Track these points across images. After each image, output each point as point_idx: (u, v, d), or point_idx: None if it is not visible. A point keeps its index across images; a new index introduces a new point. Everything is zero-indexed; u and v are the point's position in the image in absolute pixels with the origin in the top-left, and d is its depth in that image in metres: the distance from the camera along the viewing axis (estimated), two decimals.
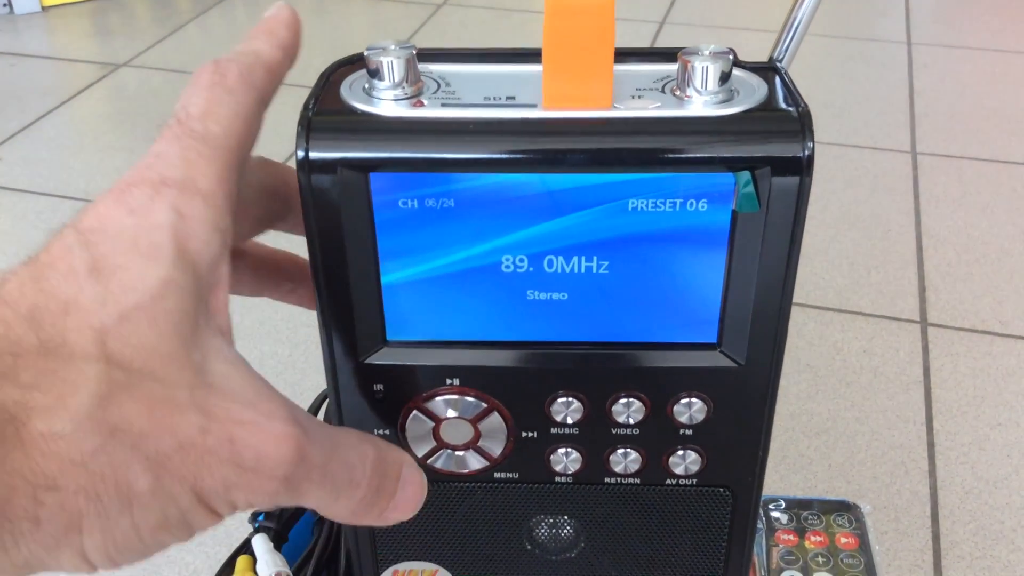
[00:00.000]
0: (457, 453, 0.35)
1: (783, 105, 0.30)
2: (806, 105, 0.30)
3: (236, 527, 0.50)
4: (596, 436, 0.35)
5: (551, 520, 0.38)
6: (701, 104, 0.30)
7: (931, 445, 0.85)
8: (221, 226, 0.27)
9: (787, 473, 0.82)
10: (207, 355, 0.26)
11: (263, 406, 0.26)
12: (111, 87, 1.54)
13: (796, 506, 0.66)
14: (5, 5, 1.78)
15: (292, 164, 0.31)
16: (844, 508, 0.66)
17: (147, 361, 0.24)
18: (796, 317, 0.99)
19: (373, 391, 0.34)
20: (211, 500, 0.25)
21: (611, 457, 0.36)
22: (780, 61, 0.34)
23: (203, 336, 0.26)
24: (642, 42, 1.67)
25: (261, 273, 0.35)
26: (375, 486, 0.29)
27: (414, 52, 0.31)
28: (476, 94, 0.31)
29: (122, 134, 1.40)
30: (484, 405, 0.34)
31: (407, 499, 0.30)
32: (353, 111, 0.30)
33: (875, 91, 1.51)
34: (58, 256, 0.25)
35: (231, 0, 1.88)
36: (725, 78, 0.30)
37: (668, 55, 0.32)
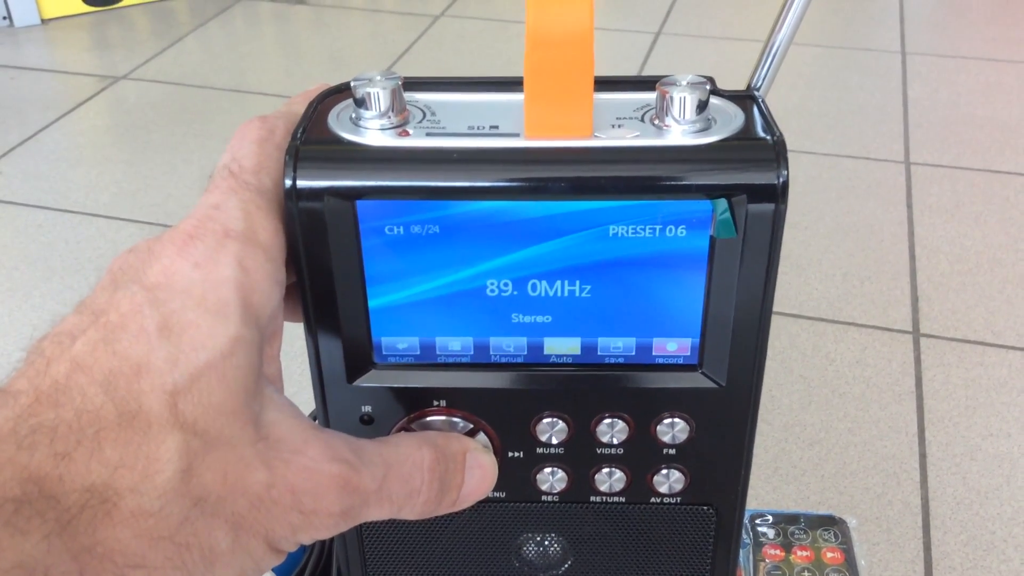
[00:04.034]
0: None
1: (759, 133, 0.31)
2: (781, 133, 0.31)
3: None
4: (581, 456, 0.36)
5: (539, 538, 0.39)
6: (679, 133, 0.31)
7: (923, 456, 0.86)
8: (279, 278, 0.28)
9: (779, 484, 0.82)
10: (263, 405, 0.27)
11: (311, 450, 0.27)
12: (111, 100, 1.55)
13: (783, 521, 0.66)
14: (5, 18, 1.79)
15: None
16: (830, 523, 0.66)
17: (215, 421, 0.25)
18: (789, 328, 1.00)
19: (361, 413, 0.35)
20: (281, 544, 0.27)
21: (596, 476, 0.36)
22: (758, 89, 0.35)
23: (259, 386, 0.27)
24: (638, 53, 1.68)
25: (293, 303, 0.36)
26: (436, 487, 0.30)
27: (399, 82, 0.32)
28: (460, 123, 0.32)
29: (122, 147, 1.41)
30: (471, 426, 0.35)
31: (476, 483, 0.32)
32: (340, 140, 0.31)
33: (869, 101, 1.52)
34: (128, 316, 0.25)
35: (230, 13, 1.89)
36: (702, 107, 0.31)
37: (647, 84, 0.33)
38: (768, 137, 0.31)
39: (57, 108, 1.51)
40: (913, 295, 1.07)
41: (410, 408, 0.35)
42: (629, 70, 1.59)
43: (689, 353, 0.34)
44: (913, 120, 1.46)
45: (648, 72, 1.61)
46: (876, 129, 1.43)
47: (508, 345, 0.34)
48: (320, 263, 0.31)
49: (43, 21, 1.83)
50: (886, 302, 1.06)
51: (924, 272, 1.11)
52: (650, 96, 0.32)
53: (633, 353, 0.34)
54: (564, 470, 0.36)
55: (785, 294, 1.04)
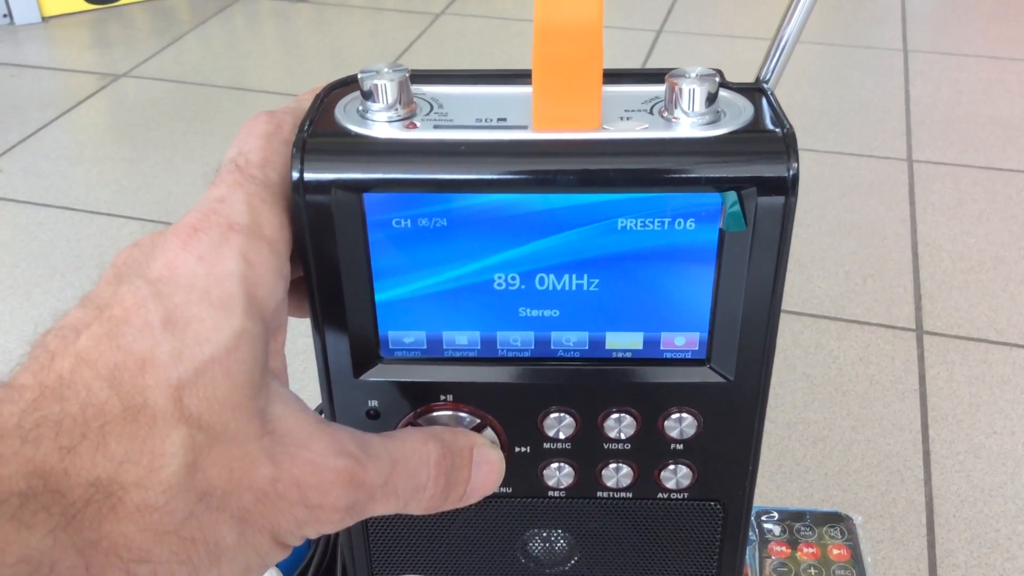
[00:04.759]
0: None
1: (769, 126, 0.31)
2: (791, 126, 0.30)
3: None
4: (588, 451, 0.35)
5: (545, 534, 0.39)
6: (688, 125, 0.31)
7: (927, 453, 0.86)
8: (284, 272, 0.28)
9: (783, 482, 0.82)
10: (268, 399, 0.26)
11: (317, 445, 0.27)
12: (111, 98, 1.55)
13: (789, 518, 0.66)
14: (5, 15, 1.79)
15: None
16: (836, 520, 0.66)
17: (220, 415, 0.25)
18: (792, 326, 1.00)
19: (368, 407, 0.34)
20: (286, 539, 0.26)
21: (603, 472, 0.36)
22: (766, 82, 0.35)
23: (264, 380, 0.26)
24: (639, 51, 1.68)
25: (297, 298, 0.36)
26: (443, 482, 0.30)
27: (407, 75, 0.31)
28: (468, 116, 0.32)
29: (122, 145, 1.41)
30: (478, 421, 0.35)
31: (483, 479, 0.32)
32: (347, 133, 0.31)
33: (871, 99, 1.52)
34: (132, 310, 0.25)
35: (230, 11, 1.89)
36: (712, 99, 0.31)
37: (656, 76, 0.32)
38: (778, 130, 0.31)
39: (57, 106, 1.51)
40: (916, 293, 1.07)
41: (416, 403, 0.34)
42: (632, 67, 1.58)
43: (697, 347, 0.34)
44: (915, 118, 1.46)
45: None
46: (879, 127, 1.43)
47: (515, 339, 0.34)
48: (327, 256, 0.31)
49: (44, 19, 1.82)
50: (889, 300, 1.06)
51: (927, 270, 1.11)
52: (659, 88, 0.32)
53: (641, 347, 0.34)
54: (571, 465, 0.36)
55: (788, 292, 1.04)
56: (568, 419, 0.35)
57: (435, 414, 0.34)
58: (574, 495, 0.37)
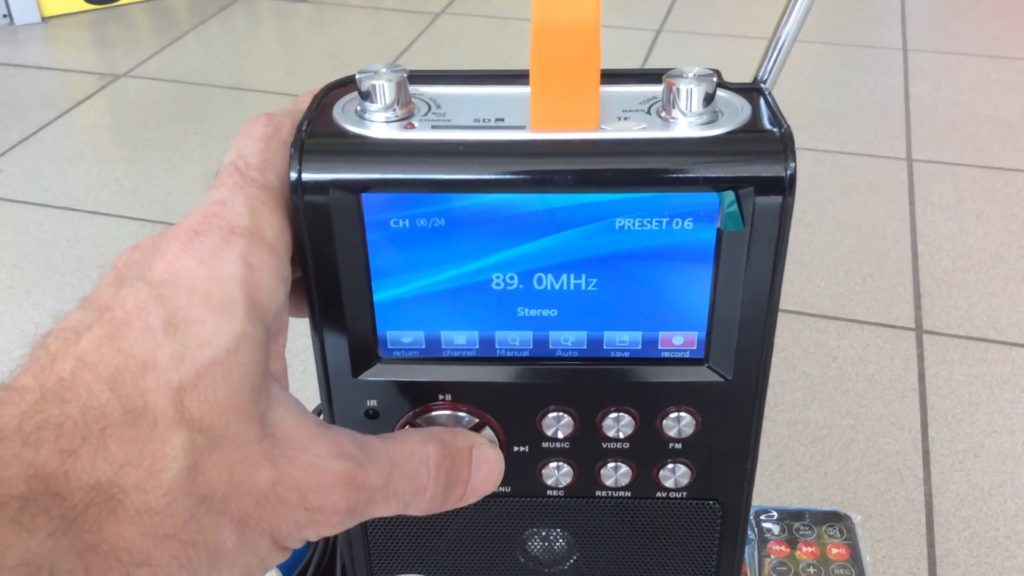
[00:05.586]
0: None
1: (766, 126, 0.31)
2: (789, 126, 0.30)
3: None
4: (587, 450, 0.36)
5: (544, 533, 0.39)
6: (686, 125, 0.31)
7: (926, 452, 0.86)
8: (284, 275, 0.28)
9: (783, 481, 0.82)
10: (269, 402, 0.26)
11: (316, 448, 0.27)
12: (111, 98, 1.55)
13: (788, 517, 0.66)
14: (5, 16, 1.79)
15: None
16: (835, 519, 0.66)
17: (221, 418, 0.25)
18: (792, 325, 1.00)
19: (367, 407, 0.35)
20: (286, 542, 0.26)
21: (602, 471, 0.36)
22: (764, 82, 0.35)
23: (265, 383, 0.26)
24: (639, 50, 1.68)
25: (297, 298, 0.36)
26: (443, 483, 0.30)
27: (405, 75, 0.32)
28: (466, 116, 0.32)
29: (122, 144, 1.41)
30: (476, 420, 0.35)
31: (483, 478, 0.32)
32: (345, 133, 0.31)
33: (871, 98, 1.52)
34: (133, 312, 0.25)
35: (230, 11, 1.89)
36: (709, 99, 0.31)
37: (654, 77, 0.32)
38: (775, 129, 0.31)
39: (57, 106, 1.51)
40: (916, 292, 1.07)
41: (415, 402, 0.34)
42: (630, 67, 1.58)
43: (696, 347, 0.34)
44: (915, 117, 1.46)
45: None
46: (878, 126, 1.43)
47: (514, 339, 0.34)
48: (325, 257, 0.31)
49: (43, 19, 1.83)
50: (889, 299, 1.06)
51: (926, 269, 1.11)
52: (657, 89, 0.32)
53: (639, 347, 0.34)
54: (570, 464, 0.36)
55: (788, 291, 1.04)
56: (567, 418, 0.35)
57: (434, 414, 0.35)
58: (573, 494, 0.37)
